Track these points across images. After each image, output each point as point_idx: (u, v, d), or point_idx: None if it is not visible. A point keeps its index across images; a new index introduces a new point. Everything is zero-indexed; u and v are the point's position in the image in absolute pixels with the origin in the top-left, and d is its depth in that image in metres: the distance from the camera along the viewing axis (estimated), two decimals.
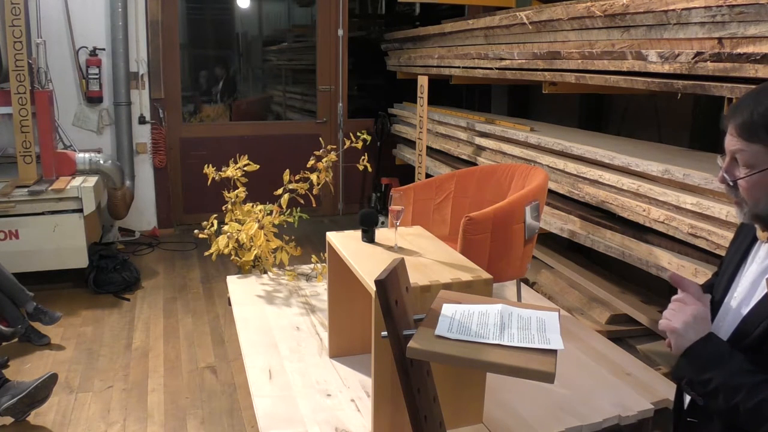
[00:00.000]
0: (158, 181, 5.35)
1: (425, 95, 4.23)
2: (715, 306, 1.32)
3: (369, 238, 2.26)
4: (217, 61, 6.40)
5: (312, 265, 3.45)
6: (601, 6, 2.74)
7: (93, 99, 4.92)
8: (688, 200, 2.45)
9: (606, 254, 2.96)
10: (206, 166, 3.51)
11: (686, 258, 2.52)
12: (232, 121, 6.21)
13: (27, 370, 3.09)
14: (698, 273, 2.41)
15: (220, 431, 2.64)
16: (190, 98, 6.01)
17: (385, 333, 1.51)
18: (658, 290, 3.17)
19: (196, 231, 3.55)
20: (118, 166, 4.62)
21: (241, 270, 3.42)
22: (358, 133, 3.54)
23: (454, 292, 1.76)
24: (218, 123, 6.06)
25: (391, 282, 1.46)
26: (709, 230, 2.35)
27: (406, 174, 5.56)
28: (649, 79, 2.61)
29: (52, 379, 2.69)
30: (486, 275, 1.96)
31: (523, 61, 3.52)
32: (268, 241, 3.34)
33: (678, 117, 3.89)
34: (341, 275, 2.32)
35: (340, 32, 5.80)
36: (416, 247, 2.24)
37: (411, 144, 5.35)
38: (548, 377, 1.29)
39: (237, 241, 3.32)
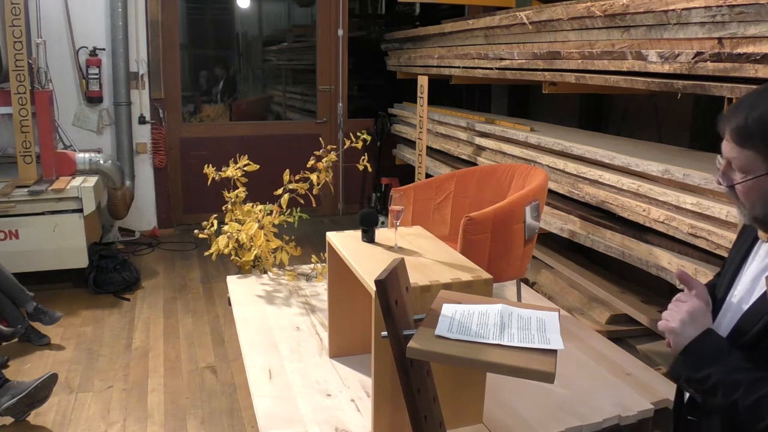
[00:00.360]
0: (158, 181, 5.35)
1: (425, 95, 4.23)
2: (718, 304, 1.33)
3: (369, 238, 2.26)
4: (217, 61, 6.40)
5: (312, 265, 3.45)
6: (601, 6, 2.74)
7: (93, 99, 4.92)
8: (688, 200, 2.45)
9: (606, 254, 2.96)
10: (206, 166, 3.51)
11: (686, 258, 2.52)
12: (232, 121, 6.21)
13: (27, 370, 3.09)
14: (698, 273, 2.41)
15: (220, 431, 2.64)
16: (190, 98, 6.01)
17: (385, 333, 1.51)
18: (658, 290, 3.17)
19: (196, 231, 3.55)
20: (118, 166, 4.62)
21: (241, 270, 3.42)
22: (358, 133, 3.54)
23: (454, 292, 1.76)
24: (218, 123, 6.06)
25: (391, 282, 1.46)
26: (709, 230, 2.35)
27: (406, 174, 5.56)
28: (649, 79, 2.61)
29: (52, 379, 2.69)
30: (486, 275, 1.96)
31: (523, 61, 3.52)
32: (268, 241, 3.34)
33: (678, 117, 3.89)
34: (341, 275, 2.32)
35: (340, 32, 5.80)
36: (416, 247, 2.24)
37: (411, 144, 5.35)
38: (548, 377, 1.29)
39: (237, 241, 3.32)
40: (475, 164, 4.08)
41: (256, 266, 3.42)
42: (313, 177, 3.43)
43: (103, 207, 4.66)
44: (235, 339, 2.94)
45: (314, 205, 3.66)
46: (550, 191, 3.29)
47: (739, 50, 2.10)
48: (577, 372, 2.38)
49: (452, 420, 1.93)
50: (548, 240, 3.80)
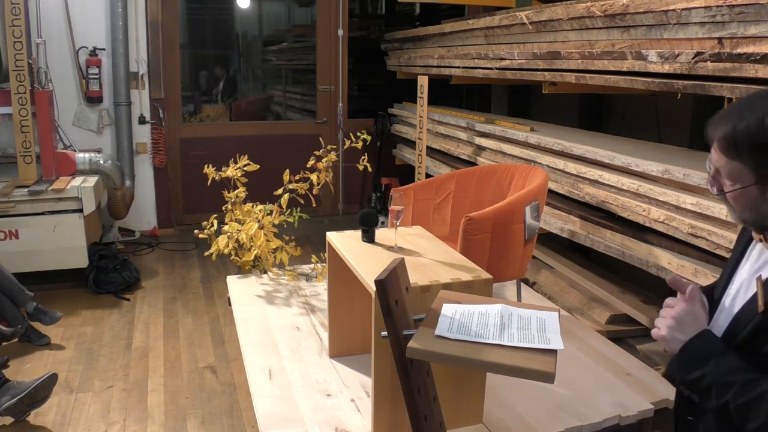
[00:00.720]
0: (158, 181, 5.35)
1: (425, 95, 4.23)
2: (714, 305, 1.34)
3: (369, 238, 2.26)
4: (217, 61, 6.40)
5: (312, 265, 3.45)
6: (601, 6, 2.74)
7: (93, 99, 4.92)
8: (688, 200, 2.45)
9: (606, 254, 2.96)
10: (206, 166, 3.51)
11: (686, 258, 2.52)
12: (232, 121, 6.21)
13: (27, 370, 3.09)
14: (698, 273, 2.41)
15: (220, 431, 2.64)
16: (190, 98, 6.01)
17: (385, 333, 1.51)
18: (658, 290, 3.17)
19: (196, 231, 3.55)
20: (118, 166, 4.62)
21: (241, 270, 3.42)
22: (358, 133, 3.54)
23: (454, 292, 1.76)
24: (218, 123, 6.06)
25: (391, 282, 1.46)
26: (709, 230, 2.35)
27: (406, 174, 5.56)
28: (649, 79, 2.61)
29: (52, 379, 2.69)
30: (486, 275, 1.96)
31: (523, 61, 3.52)
32: (268, 241, 3.34)
33: (678, 117, 3.89)
34: (341, 275, 2.32)
35: (340, 32, 5.80)
36: (416, 247, 2.24)
37: (411, 144, 5.35)
38: (548, 377, 1.29)
39: (237, 241, 3.32)
40: (475, 164, 4.08)
41: (256, 266, 3.42)
42: (313, 177, 3.43)
43: (103, 207, 4.66)
44: (235, 339, 2.94)
45: (314, 205, 3.66)
46: (550, 191, 3.29)
47: (739, 50, 2.10)
48: (577, 372, 2.38)
49: (452, 420, 1.93)
50: (548, 240, 3.80)
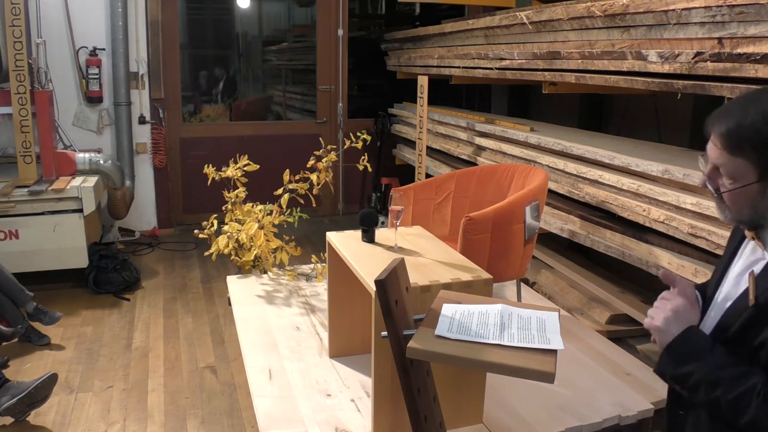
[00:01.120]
0: (158, 181, 5.35)
1: (425, 95, 4.23)
2: (707, 302, 1.35)
3: (369, 238, 2.26)
4: (217, 61, 6.40)
5: (312, 265, 3.45)
6: (601, 6, 2.74)
7: (93, 99, 4.92)
8: (688, 200, 2.45)
9: (606, 254, 2.96)
10: (206, 166, 3.51)
11: (686, 258, 2.53)
12: (232, 121, 6.21)
13: (27, 370, 3.09)
14: (698, 273, 2.41)
15: (220, 431, 2.64)
16: (190, 98, 6.01)
17: (385, 333, 1.51)
18: (658, 290, 3.16)
19: (196, 231, 3.55)
20: (118, 166, 4.62)
21: (241, 270, 3.42)
22: (358, 133, 3.54)
23: (454, 292, 1.76)
24: (218, 123, 6.06)
25: (391, 282, 1.46)
26: (709, 230, 2.35)
27: (406, 174, 5.56)
28: (649, 79, 2.61)
29: (52, 379, 2.69)
30: (486, 275, 1.96)
31: (523, 61, 3.52)
32: (268, 241, 3.34)
33: (678, 117, 3.89)
34: (341, 275, 2.32)
35: (340, 32, 5.80)
36: (416, 247, 2.24)
37: (411, 144, 5.35)
38: (548, 377, 1.29)
39: (237, 241, 3.32)
40: (475, 164, 4.08)
41: (256, 266, 3.42)
42: (313, 177, 3.43)
43: (103, 207, 4.66)
44: (235, 339, 2.94)
45: (314, 205, 3.66)
46: (550, 191, 3.29)
47: (739, 50, 2.10)
48: (577, 372, 2.38)
49: (452, 420, 1.93)
50: (548, 240, 3.80)
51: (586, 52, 2.94)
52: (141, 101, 5.14)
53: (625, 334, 3.01)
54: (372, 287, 1.80)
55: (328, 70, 5.90)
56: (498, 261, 2.65)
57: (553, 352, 1.36)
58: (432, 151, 4.88)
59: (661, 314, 1.25)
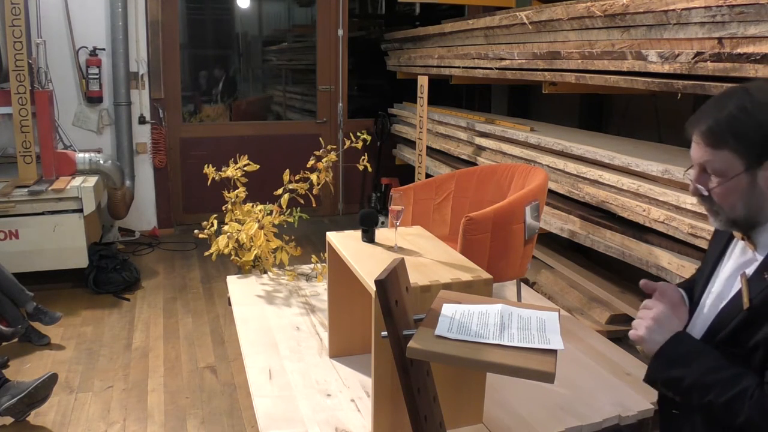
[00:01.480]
0: (158, 181, 5.35)
1: (425, 95, 4.23)
2: (694, 305, 1.35)
3: (369, 238, 2.26)
4: (217, 61, 6.40)
5: (312, 265, 3.45)
6: (601, 6, 2.74)
7: (93, 99, 4.92)
8: (688, 200, 2.45)
9: (606, 254, 2.96)
10: (206, 166, 3.51)
11: (686, 258, 2.52)
12: (232, 121, 6.21)
13: (27, 370, 3.09)
14: None
15: (220, 431, 2.64)
16: (190, 98, 6.01)
17: (385, 333, 1.51)
18: None
19: (196, 231, 3.55)
20: (118, 166, 4.62)
21: (241, 270, 3.42)
22: (358, 133, 3.54)
23: (454, 292, 1.76)
24: (218, 123, 6.06)
25: (391, 282, 1.46)
26: (709, 230, 2.35)
27: (406, 174, 5.56)
28: (649, 79, 2.61)
29: (52, 379, 2.69)
30: (486, 275, 1.96)
31: (523, 61, 3.52)
32: (268, 241, 3.34)
33: (678, 117, 3.88)
34: (341, 275, 2.32)
35: (340, 32, 5.80)
36: (416, 247, 2.24)
37: (411, 144, 5.35)
38: (548, 377, 1.29)
39: (237, 241, 3.32)
40: (475, 164, 4.08)
41: (256, 266, 3.42)
42: (313, 177, 3.43)
43: (103, 207, 4.66)
44: (235, 339, 2.94)
45: (314, 205, 3.66)
46: (550, 191, 3.29)
47: (739, 50, 2.10)
48: (577, 372, 2.38)
49: (452, 420, 1.93)
50: (548, 240, 3.80)
51: (586, 52, 2.94)
52: (141, 101, 5.14)
53: (625, 334, 3.00)
54: (372, 287, 1.80)
55: (328, 70, 5.90)
56: (498, 261, 2.65)
57: (553, 352, 1.36)
58: (432, 151, 4.88)
59: (643, 324, 1.26)
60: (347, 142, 3.57)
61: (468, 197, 3.24)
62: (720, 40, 2.18)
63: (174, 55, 5.34)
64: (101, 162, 4.37)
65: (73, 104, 4.93)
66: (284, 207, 3.42)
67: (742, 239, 1.26)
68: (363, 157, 3.54)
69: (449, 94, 5.87)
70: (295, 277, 3.34)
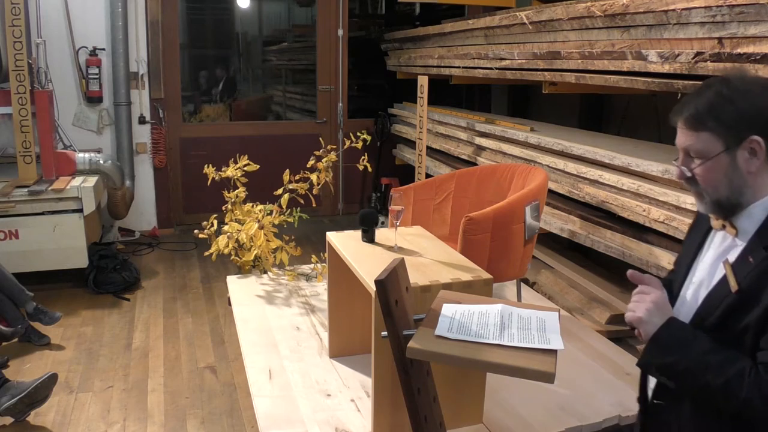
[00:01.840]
0: (158, 181, 5.35)
1: (425, 95, 4.23)
2: (675, 297, 1.39)
3: (369, 238, 2.27)
4: (217, 61, 6.40)
5: (312, 265, 3.45)
6: (601, 6, 2.74)
7: (93, 99, 4.92)
8: (688, 200, 2.45)
9: (606, 254, 2.96)
10: (206, 166, 3.51)
11: None
12: (232, 121, 6.21)
13: (27, 370, 3.09)
14: None
15: (219, 431, 2.64)
16: (190, 98, 6.01)
17: (385, 333, 1.51)
18: None
19: (196, 231, 3.55)
20: (118, 166, 4.62)
21: (241, 270, 3.42)
22: (358, 133, 3.54)
23: (454, 292, 1.76)
24: (218, 123, 6.06)
25: (391, 282, 1.46)
26: None
27: (406, 174, 5.56)
28: (649, 79, 2.61)
29: (52, 379, 2.69)
30: (486, 275, 1.96)
31: (523, 61, 3.52)
32: (268, 241, 3.34)
33: None
34: (341, 275, 2.32)
35: (340, 32, 5.80)
36: (416, 247, 2.24)
37: (411, 144, 5.35)
38: (548, 377, 1.29)
39: (237, 241, 3.32)
40: (475, 164, 4.08)
41: (256, 266, 3.42)
42: (313, 177, 3.43)
43: (103, 207, 4.66)
44: (235, 339, 2.94)
45: (314, 205, 3.66)
46: (550, 191, 3.29)
47: (739, 50, 2.10)
48: (577, 372, 2.38)
49: (452, 420, 1.93)
50: (548, 240, 3.80)
51: (586, 52, 2.94)
52: (141, 101, 5.14)
53: (625, 334, 3.00)
54: (372, 287, 1.80)
55: (328, 70, 5.90)
56: (498, 261, 2.65)
57: (553, 352, 1.36)
58: (432, 151, 4.88)
59: (642, 306, 1.28)
60: (347, 142, 3.57)
61: (468, 197, 3.24)
62: (720, 40, 2.18)
63: (174, 55, 5.34)
64: (101, 162, 4.37)
65: (73, 104, 4.93)
66: (284, 207, 3.42)
67: (723, 227, 1.30)
68: (363, 157, 3.54)
69: (449, 94, 5.87)
70: (295, 277, 3.34)
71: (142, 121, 5.17)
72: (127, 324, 3.65)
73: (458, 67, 4.38)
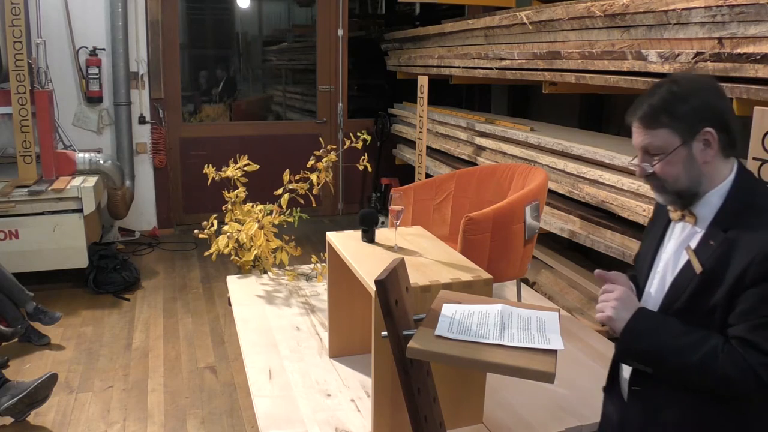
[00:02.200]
0: (158, 181, 5.35)
1: (425, 95, 4.23)
2: (641, 290, 1.45)
3: (369, 238, 2.26)
4: (217, 61, 6.40)
5: (312, 265, 3.45)
6: (601, 6, 2.74)
7: (93, 99, 4.92)
8: None
9: (606, 254, 2.96)
10: (206, 166, 3.51)
11: None
12: (232, 121, 6.21)
13: (27, 370, 3.09)
14: None
15: (219, 431, 2.64)
16: (190, 98, 6.01)
17: (385, 333, 1.51)
18: None
19: (196, 231, 3.55)
20: (118, 166, 4.62)
21: (241, 270, 3.42)
22: (358, 133, 3.54)
23: (454, 292, 1.76)
24: (218, 123, 6.06)
25: (391, 282, 1.46)
26: None
27: (406, 174, 5.56)
28: (649, 79, 2.61)
29: (52, 379, 2.69)
30: (486, 275, 1.96)
31: (523, 61, 3.52)
32: (268, 241, 3.34)
33: None
34: (341, 275, 2.32)
35: (340, 32, 5.80)
36: (416, 247, 2.24)
37: (411, 144, 5.35)
38: (548, 377, 1.29)
39: (237, 241, 3.32)
40: (475, 164, 4.08)
41: (256, 266, 3.42)
42: (313, 177, 3.43)
43: (103, 207, 4.66)
44: (235, 339, 2.94)
45: (314, 205, 3.66)
46: (550, 191, 3.29)
47: (739, 50, 2.10)
48: (577, 372, 2.38)
49: (452, 420, 1.93)
50: (548, 240, 3.80)
51: (586, 52, 2.94)
52: (141, 101, 5.14)
53: None
54: (372, 287, 1.80)
55: (328, 70, 5.90)
56: (498, 261, 2.65)
57: (553, 352, 1.36)
58: (432, 151, 4.88)
59: (608, 305, 1.34)
60: (347, 142, 3.57)
61: (468, 197, 3.24)
62: (720, 40, 2.18)
63: (174, 55, 5.34)
64: (101, 162, 4.38)
65: (73, 104, 4.93)
66: (284, 207, 3.42)
67: (682, 217, 1.35)
68: (363, 157, 3.54)
69: (449, 94, 5.87)
70: (295, 277, 3.34)
71: (142, 121, 5.17)
72: (127, 324, 3.65)
73: (458, 67, 4.38)
